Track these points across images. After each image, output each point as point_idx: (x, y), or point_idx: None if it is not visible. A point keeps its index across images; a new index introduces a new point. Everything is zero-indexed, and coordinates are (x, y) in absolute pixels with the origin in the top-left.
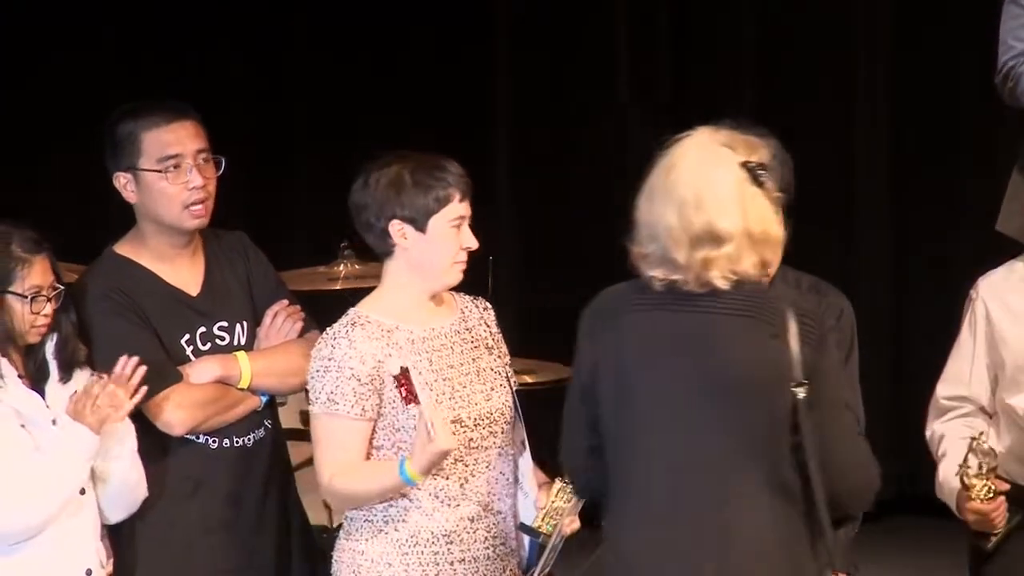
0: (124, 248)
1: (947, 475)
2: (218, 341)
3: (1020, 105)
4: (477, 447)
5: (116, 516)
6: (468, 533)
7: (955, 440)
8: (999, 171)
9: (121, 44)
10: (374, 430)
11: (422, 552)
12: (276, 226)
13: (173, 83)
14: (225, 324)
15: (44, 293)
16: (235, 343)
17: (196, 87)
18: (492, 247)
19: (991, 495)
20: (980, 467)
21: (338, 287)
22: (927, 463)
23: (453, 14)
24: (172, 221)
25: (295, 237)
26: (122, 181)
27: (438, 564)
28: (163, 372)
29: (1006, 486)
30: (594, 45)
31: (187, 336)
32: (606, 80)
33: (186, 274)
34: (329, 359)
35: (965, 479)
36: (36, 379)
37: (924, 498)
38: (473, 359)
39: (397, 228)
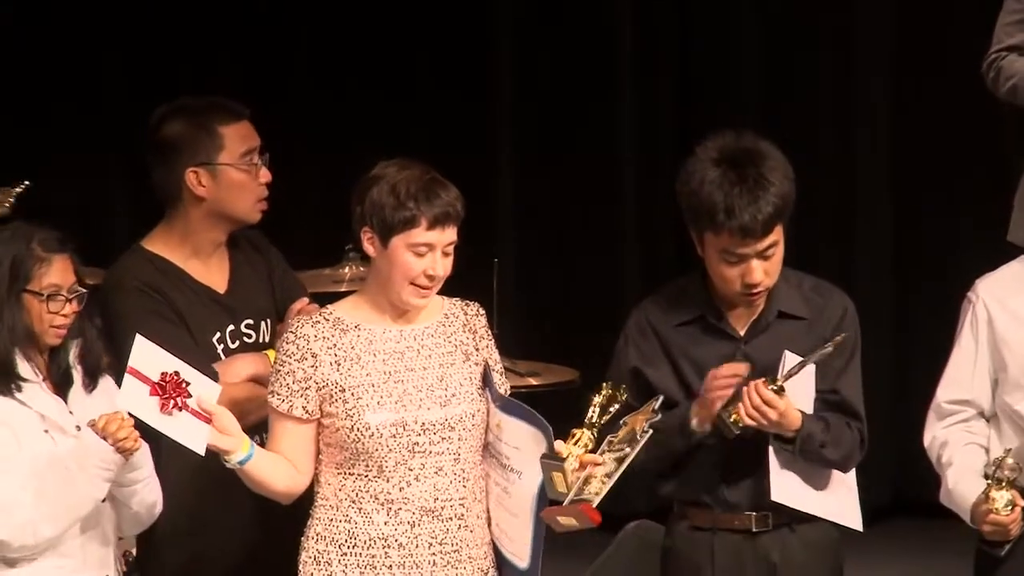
0: (154, 244)
1: (956, 485)
2: (245, 339)
3: (1000, 95)
4: (423, 452)
5: (131, 532)
6: (408, 538)
7: (959, 447)
8: (1001, 176)
9: (127, 52)
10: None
11: (360, 554)
12: (281, 228)
13: (172, 87)
14: (251, 322)
15: (63, 293)
16: (261, 340)
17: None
18: (497, 249)
19: (1009, 508)
20: (1002, 482)
21: (343, 289)
22: (927, 465)
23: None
24: (243, 214)
25: (300, 239)
26: (193, 177)
27: (375, 568)
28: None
29: (1023, 501)
30: (596, 50)
31: (218, 334)
32: (608, 89)
33: (215, 272)
34: (277, 349)
35: (989, 493)
36: (60, 384)
37: (924, 500)
38: (440, 364)
39: (368, 236)
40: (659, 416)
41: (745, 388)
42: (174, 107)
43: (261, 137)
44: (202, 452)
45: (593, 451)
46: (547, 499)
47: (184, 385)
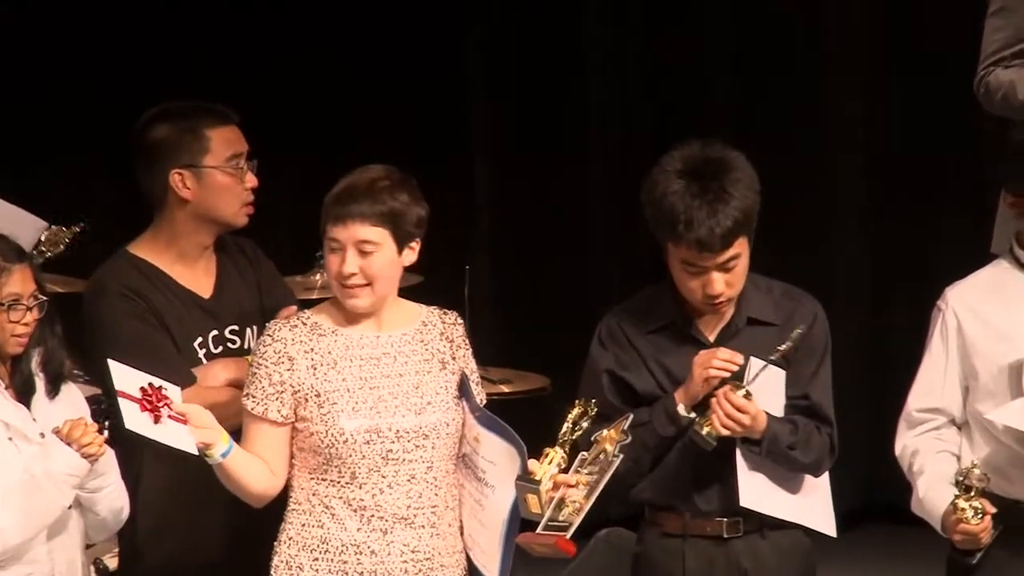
0: (140, 249)
1: (927, 493)
2: (229, 344)
3: (993, 111)
4: (397, 459)
5: (99, 538)
6: (380, 546)
7: (930, 455)
8: (976, 184)
9: (107, 50)
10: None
11: (332, 560)
12: (253, 236)
13: (149, 93)
14: (236, 328)
15: (23, 302)
16: (245, 347)
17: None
18: (469, 256)
19: (979, 517)
20: (971, 491)
21: (315, 296)
22: (899, 471)
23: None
24: (229, 218)
25: (273, 247)
26: (178, 178)
27: (347, 574)
28: (176, 375)
29: (993, 509)
30: (570, 55)
31: (200, 339)
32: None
33: (201, 277)
34: (254, 353)
35: (957, 504)
36: (23, 392)
37: (897, 506)
38: (416, 372)
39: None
40: (628, 439)
41: (714, 399)
42: (161, 110)
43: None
44: (195, 451)
45: (566, 469)
46: (519, 517)
47: (164, 392)
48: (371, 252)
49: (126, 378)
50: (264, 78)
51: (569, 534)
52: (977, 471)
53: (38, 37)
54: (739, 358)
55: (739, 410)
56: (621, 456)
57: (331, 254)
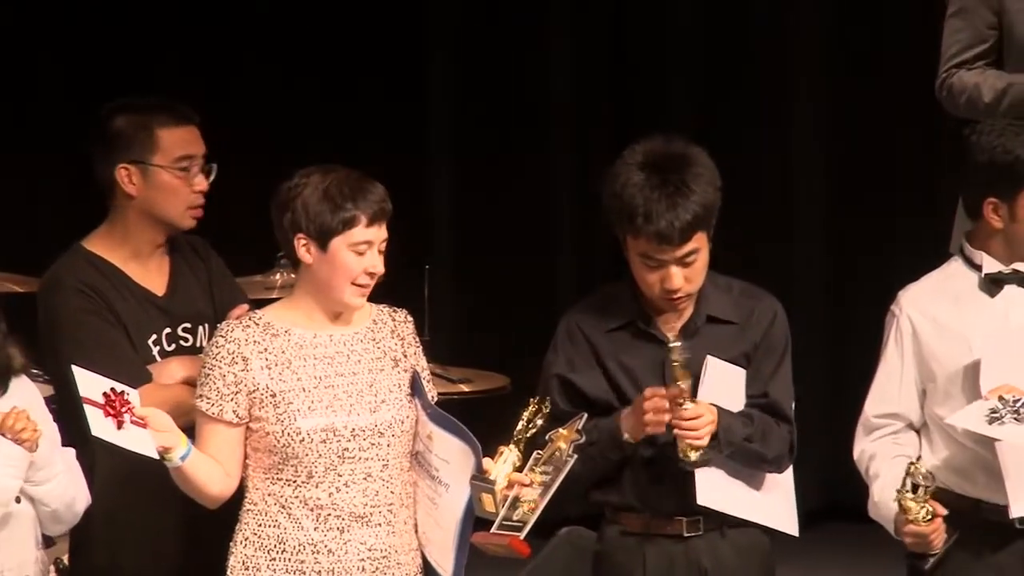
0: (95, 245)
1: (882, 496)
2: (182, 343)
3: (957, 113)
4: (353, 458)
5: (56, 531)
6: (337, 544)
7: (887, 459)
8: (934, 186)
9: (68, 59)
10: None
11: (288, 560)
12: (213, 235)
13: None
14: (188, 326)
15: None
16: (198, 345)
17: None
18: (430, 255)
19: (929, 518)
20: (917, 490)
21: (275, 296)
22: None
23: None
24: (173, 219)
25: (232, 248)
26: (124, 173)
27: (304, 573)
28: (132, 372)
29: (944, 511)
30: (532, 54)
31: (154, 336)
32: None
33: (154, 274)
34: (206, 354)
35: (903, 503)
36: None
37: (857, 505)
38: (369, 370)
39: (302, 243)
40: (583, 438)
41: (672, 425)
42: (122, 103)
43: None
44: (156, 456)
45: (520, 468)
46: (474, 515)
47: (126, 396)
48: (383, 250)
49: (90, 384)
50: (224, 78)
51: (523, 534)
52: (923, 469)
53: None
54: (675, 391)
55: (697, 419)
56: (575, 456)
57: (356, 256)
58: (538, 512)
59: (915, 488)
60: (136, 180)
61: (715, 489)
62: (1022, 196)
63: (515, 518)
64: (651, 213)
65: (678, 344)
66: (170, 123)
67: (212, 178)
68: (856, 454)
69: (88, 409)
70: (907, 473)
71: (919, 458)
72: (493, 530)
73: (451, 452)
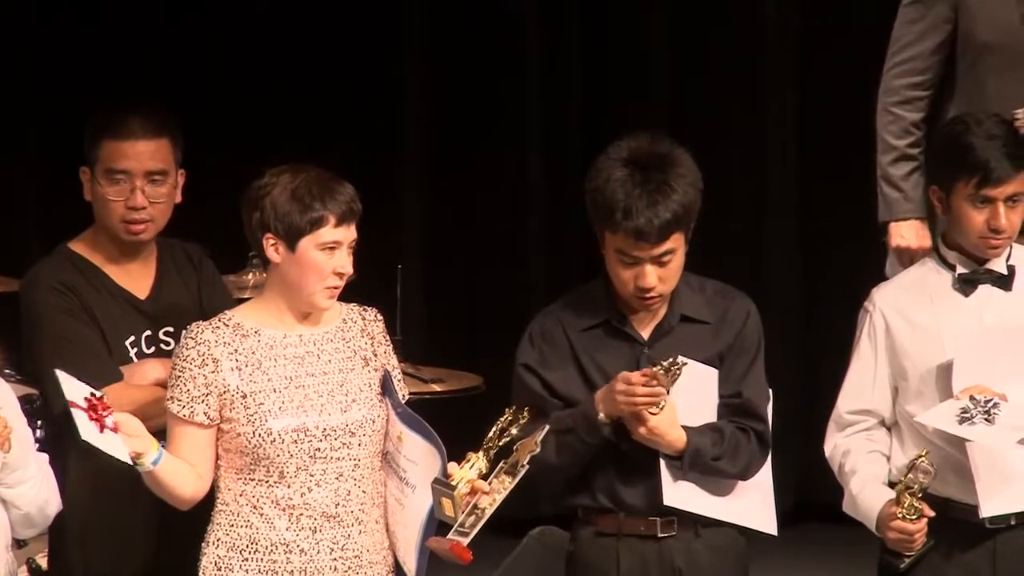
0: (79, 245)
1: (861, 491)
2: (163, 346)
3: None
4: (324, 457)
5: (27, 534)
6: (309, 544)
7: (862, 455)
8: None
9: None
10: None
11: (261, 560)
12: (187, 234)
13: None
14: (171, 330)
15: None
16: None
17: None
18: (402, 254)
19: (916, 516)
20: (915, 487)
21: (247, 296)
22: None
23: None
24: (109, 227)
25: (204, 247)
26: (83, 176)
27: (277, 573)
28: (103, 371)
29: (931, 512)
30: (505, 54)
31: (132, 338)
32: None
33: (137, 277)
34: (176, 356)
35: (901, 496)
36: None
37: (831, 505)
38: (340, 370)
39: (271, 243)
40: (539, 450)
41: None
42: (103, 103)
43: None
44: (130, 461)
45: (486, 476)
46: (436, 519)
47: (105, 401)
48: (352, 250)
49: (73, 389)
50: (198, 78)
51: (466, 541)
52: (926, 464)
53: None
54: (651, 372)
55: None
56: (527, 466)
57: (325, 256)
58: (483, 521)
59: (910, 485)
60: (87, 182)
61: (683, 490)
62: (959, 186)
63: (467, 525)
64: (631, 209)
65: (665, 363)
66: (117, 136)
67: (170, 191)
68: (828, 450)
69: (75, 413)
70: (912, 467)
71: (927, 452)
72: (450, 535)
73: (419, 454)
